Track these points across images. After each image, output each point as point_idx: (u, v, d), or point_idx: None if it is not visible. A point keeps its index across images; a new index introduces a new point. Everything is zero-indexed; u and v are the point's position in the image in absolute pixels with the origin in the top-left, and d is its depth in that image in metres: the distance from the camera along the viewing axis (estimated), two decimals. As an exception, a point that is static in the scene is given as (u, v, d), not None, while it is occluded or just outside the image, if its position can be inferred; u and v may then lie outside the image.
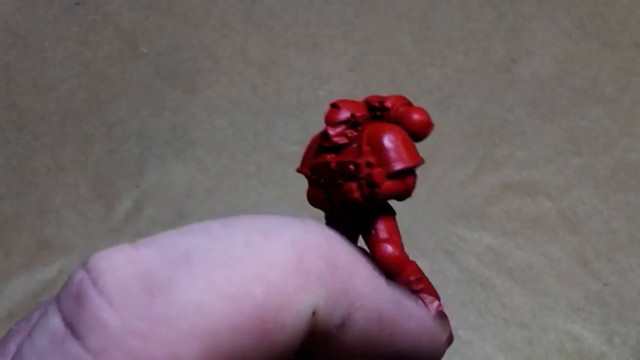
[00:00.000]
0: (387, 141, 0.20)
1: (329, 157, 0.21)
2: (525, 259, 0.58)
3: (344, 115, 0.21)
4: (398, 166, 0.20)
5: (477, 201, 0.61)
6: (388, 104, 0.21)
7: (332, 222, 0.22)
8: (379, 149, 0.20)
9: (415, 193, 0.21)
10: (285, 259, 0.15)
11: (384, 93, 0.73)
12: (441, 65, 0.70)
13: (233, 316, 0.14)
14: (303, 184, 0.23)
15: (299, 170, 0.22)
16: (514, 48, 0.72)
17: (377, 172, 0.20)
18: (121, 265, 0.15)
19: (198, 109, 0.68)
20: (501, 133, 0.65)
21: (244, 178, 0.62)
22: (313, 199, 0.22)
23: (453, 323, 0.23)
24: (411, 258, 0.21)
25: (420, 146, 0.21)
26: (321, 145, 0.22)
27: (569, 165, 0.63)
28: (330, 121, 0.21)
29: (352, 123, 0.21)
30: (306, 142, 0.23)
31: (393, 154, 0.20)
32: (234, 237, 0.16)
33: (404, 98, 0.22)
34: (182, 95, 0.69)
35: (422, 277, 0.21)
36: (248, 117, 0.66)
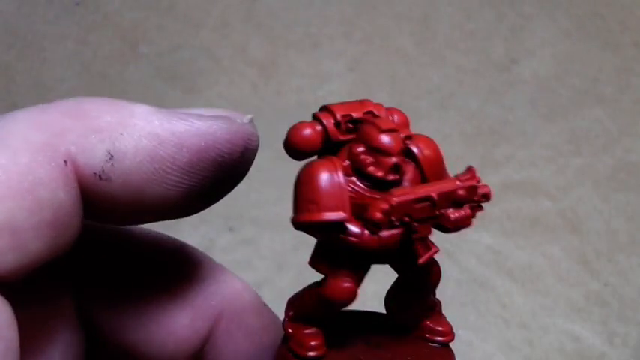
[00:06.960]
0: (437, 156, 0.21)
1: (420, 190, 0.20)
2: (525, 259, 0.58)
3: (399, 143, 0.20)
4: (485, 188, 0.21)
5: (477, 201, 0.61)
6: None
7: (393, 262, 0.21)
8: (442, 173, 0.21)
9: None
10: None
11: (383, 93, 0.72)
12: (441, 65, 0.70)
13: None
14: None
15: (373, 218, 0.19)
16: (514, 48, 0.72)
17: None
18: None
19: (198, 109, 0.68)
20: (501, 133, 0.65)
21: (244, 178, 0.62)
22: (386, 243, 0.20)
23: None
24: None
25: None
26: (382, 181, 0.20)
27: (569, 165, 0.63)
28: (397, 149, 0.20)
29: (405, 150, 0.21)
30: None
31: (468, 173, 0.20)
32: None
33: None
34: (182, 95, 0.69)
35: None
36: (248, 117, 0.66)
